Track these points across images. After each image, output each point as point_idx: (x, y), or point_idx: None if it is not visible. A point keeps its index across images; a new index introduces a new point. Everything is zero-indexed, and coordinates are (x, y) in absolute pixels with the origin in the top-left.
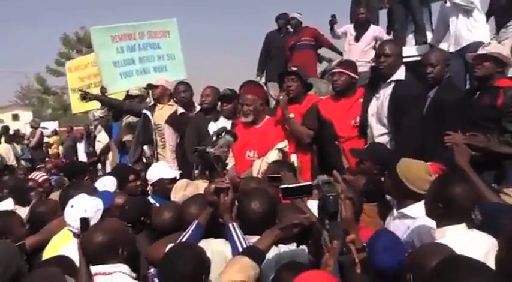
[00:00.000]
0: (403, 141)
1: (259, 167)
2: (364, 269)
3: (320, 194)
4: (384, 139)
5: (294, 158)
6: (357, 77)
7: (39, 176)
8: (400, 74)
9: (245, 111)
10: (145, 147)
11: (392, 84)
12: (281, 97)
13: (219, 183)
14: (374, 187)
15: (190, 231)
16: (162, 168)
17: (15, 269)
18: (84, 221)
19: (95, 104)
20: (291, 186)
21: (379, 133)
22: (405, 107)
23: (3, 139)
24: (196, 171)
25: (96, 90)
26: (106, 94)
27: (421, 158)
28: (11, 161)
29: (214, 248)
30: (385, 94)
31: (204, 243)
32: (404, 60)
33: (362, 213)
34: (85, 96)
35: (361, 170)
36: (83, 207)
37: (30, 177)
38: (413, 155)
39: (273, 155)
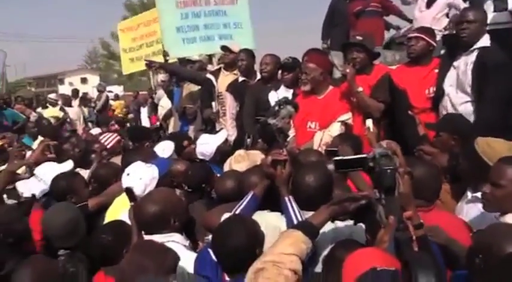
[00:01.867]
0: (487, 112)
1: (320, 139)
2: (421, 246)
3: (377, 168)
4: (466, 108)
5: (369, 122)
6: (435, 44)
7: (112, 137)
8: (485, 41)
9: (303, 80)
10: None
11: (476, 52)
12: (347, 70)
13: (277, 155)
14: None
15: (245, 203)
16: (211, 139)
17: (82, 231)
18: (129, 191)
19: (143, 65)
20: (344, 158)
21: (461, 101)
22: (492, 75)
23: (74, 102)
24: (248, 140)
25: (147, 51)
26: (167, 58)
27: (500, 134)
28: (81, 123)
29: (269, 223)
30: (467, 62)
31: (258, 216)
32: None
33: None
34: (150, 65)
35: (438, 142)
36: (139, 175)
37: (100, 138)
38: (495, 129)
39: (336, 128)
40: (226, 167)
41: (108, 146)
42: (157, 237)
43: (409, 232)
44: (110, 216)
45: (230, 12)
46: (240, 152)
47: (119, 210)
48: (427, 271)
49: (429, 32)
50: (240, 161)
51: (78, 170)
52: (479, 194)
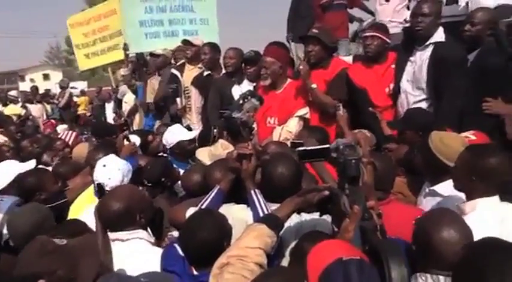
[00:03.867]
0: (449, 107)
1: (279, 135)
2: (382, 235)
3: (341, 158)
4: (422, 106)
5: (339, 107)
6: (389, 41)
7: (70, 133)
8: (440, 35)
9: (262, 74)
10: (177, 99)
11: (431, 47)
12: (301, 67)
13: (242, 149)
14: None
15: (211, 197)
16: (179, 131)
17: (48, 228)
18: (101, 187)
19: (103, 60)
20: (307, 148)
21: (417, 100)
22: (448, 70)
23: (36, 99)
24: (215, 131)
25: (102, 46)
26: (128, 52)
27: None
28: (44, 121)
29: (235, 215)
30: (422, 57)
31: (224, 209)
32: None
33: (402, 184)
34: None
35: (404, 140)
36: (116, 166)
37: (60, 136)
38: (457, 123)
39: (293, 123)
40: (203, 155)
41: (69, 143)
42: (123, 234)
43: (374, 221)
44: (74, 212)
45: (197, 7)
46: (223, 141)
47: (83, 207)
48: (398, 258)
49: (383, 29)
50: (228, 147)
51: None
52: (436, 187)
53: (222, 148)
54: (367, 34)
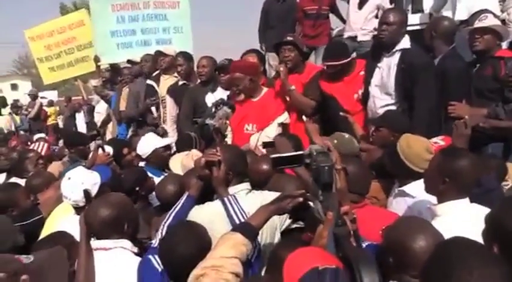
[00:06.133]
0: (421, 111)
1: (256, 140)
2: (356, 241)
3: (314, 164)
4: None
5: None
6: (349, 58)
7: (42, 144)
8: (405, 42)
9: (235, 91)
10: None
11: (398, 54)
12: (281, 68)
13: (210, 156)
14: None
15: (180, 204)
16: (153, 139)
17: (10, 245)
18: (87, 193)
19: (70, 73)
20: (281, 155)
21: (384, 104)
22: (416, 75)
23: (4, 110)
24: (192, 134)
25: (69, 58)
26: (99, 64)
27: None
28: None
29: (210, 210)
30: (390, 64)
31: (196, 211)
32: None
33: (377, 189)
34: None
35: (377, 138)
36: (81, 179)
37: (31, 147)
38: (430, 126)
39: (272, 129)
40: (176, 164)
41: (42, 154)
42: (106, 243)
43: (347, 227)
44: (50, 226)
45: (171, 16)
46: (195, 151)
47: (57, 219)
48: (370, 267)
49: (338, 54)
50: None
51: (14, 179)
52: (405, 188)
53: (193, 159)
54: (327, 64)
